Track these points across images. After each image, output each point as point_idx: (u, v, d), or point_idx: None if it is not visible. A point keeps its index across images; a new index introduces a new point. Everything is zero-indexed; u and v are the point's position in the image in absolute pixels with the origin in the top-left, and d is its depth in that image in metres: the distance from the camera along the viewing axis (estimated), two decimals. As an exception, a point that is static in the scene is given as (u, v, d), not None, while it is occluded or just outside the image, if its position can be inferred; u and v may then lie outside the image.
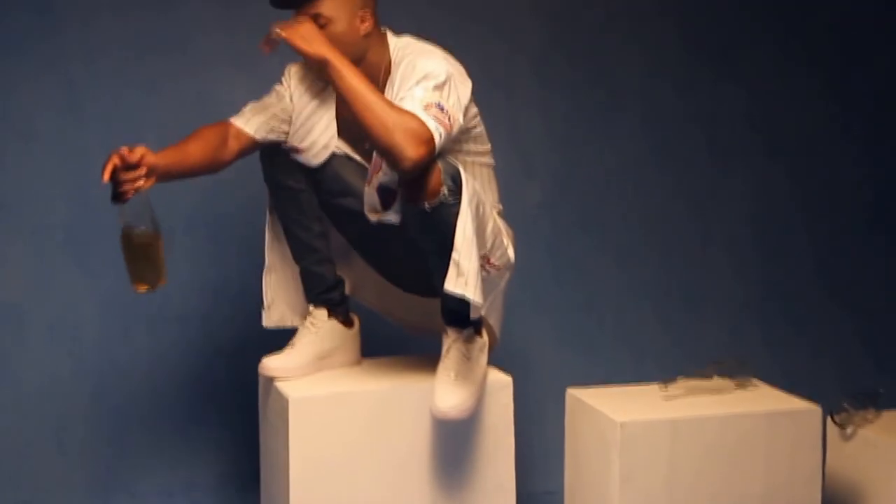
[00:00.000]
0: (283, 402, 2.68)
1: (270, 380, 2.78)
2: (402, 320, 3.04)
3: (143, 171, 2.46)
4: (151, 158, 2.49)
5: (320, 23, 2.58)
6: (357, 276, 2.97)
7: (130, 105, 3.27)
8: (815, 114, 3.91)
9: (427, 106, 2.45)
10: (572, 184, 3.68)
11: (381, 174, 2.54)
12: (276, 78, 2.82)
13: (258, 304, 2.90)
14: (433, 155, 2.43)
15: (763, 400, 2.83)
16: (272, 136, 2.75)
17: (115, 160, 2.44)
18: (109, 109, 3.25)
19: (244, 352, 2.99)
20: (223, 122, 2.74)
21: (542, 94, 3.66)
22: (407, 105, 2.45)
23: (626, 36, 3.72)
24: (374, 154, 2.63)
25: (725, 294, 3.83)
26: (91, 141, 3.20)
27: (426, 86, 2.49)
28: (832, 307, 3.90)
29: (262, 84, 2.81)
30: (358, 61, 2.59)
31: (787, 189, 3.88)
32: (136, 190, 2.46)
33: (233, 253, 3.31)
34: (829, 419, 2.91)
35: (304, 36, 2.47)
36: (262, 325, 2.90)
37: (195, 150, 2.65)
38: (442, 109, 2.46)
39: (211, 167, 2.71)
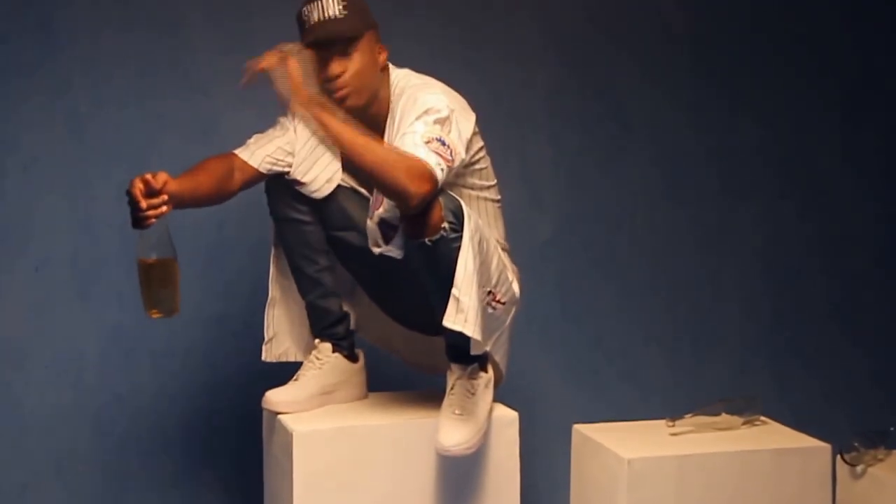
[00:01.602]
0: (287, 437, 2.66)
1: (274, 414, 2.76)
2: (405, 358, 3.02)
3: (165, 197, 2.43)
4: (172, 185, 2.46)
5: (349, 52, 2.59)
6: (361, 312, 2.95)
7: (133, 134, 3.26)
8: (829, 150, 3.90)
9: (428, 141, 2.44)
10: (582, 219, 3.67)
11: (383, 209, 2.52)
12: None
13: (262, 337, 2.89)
14: (437, 190, 2.43)
15: (772, 437, 2.81)
16: (276, 169, 2.75)
17: (140, 185, 2.41)
18: (112, 139, 3.24)
19: (248, 386, 2.98)
20: (228, 154, 2.73)
21: (553, 127, 3.66)
22: (408, 140, 2.44)
23: (638, 70, 3.72)
24: (375, 189, 2.62)
25: (735, 331, 3.81)
26: (93, 171, 3.21)
27: (427, 120, 2.49)
28: (842, 344, 3.88)
29: (267, 109, 2.79)
30: (375, 94, 2.64)
31: (799, 225, 3.87)
32: (158, 216, 2.44)
33: (237, 286, 3.30)
34: (838, 458, 2.88)
35: (293, 86, 2.49)
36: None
37: (204, 180, 2.63)
38: (443, 143, 2.46)
39: (218, 198, 2.70)
